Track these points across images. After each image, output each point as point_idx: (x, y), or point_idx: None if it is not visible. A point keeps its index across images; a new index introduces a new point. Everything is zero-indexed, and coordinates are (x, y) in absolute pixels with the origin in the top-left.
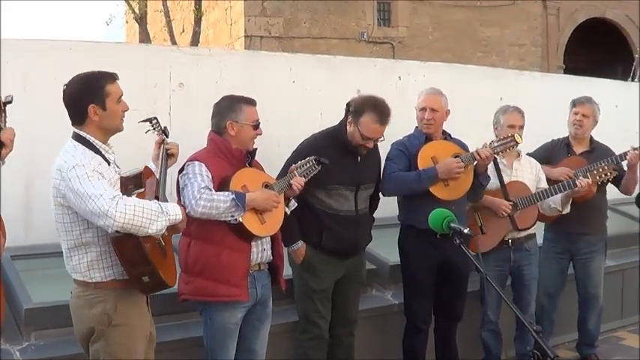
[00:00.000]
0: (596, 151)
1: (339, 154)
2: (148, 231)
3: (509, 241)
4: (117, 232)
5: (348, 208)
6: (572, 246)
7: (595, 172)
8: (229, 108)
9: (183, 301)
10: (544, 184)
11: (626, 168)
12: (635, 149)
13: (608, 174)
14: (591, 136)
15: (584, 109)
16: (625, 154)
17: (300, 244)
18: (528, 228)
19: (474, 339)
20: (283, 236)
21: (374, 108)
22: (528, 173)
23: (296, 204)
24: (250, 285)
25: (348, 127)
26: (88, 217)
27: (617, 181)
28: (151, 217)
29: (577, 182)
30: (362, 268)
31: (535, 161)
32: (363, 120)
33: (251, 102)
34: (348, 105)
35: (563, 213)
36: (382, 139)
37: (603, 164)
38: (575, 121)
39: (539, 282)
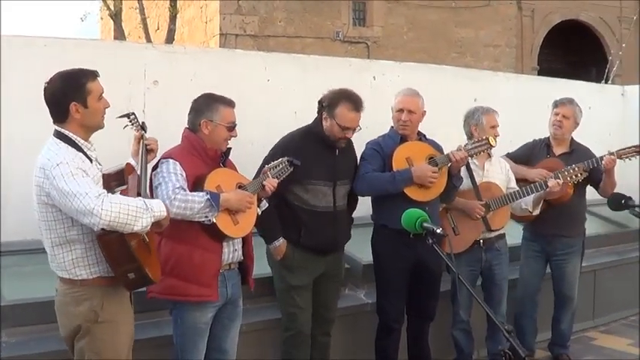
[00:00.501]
0: (576, 153)
1: (316, 150)
2: (134, 228)
3: (481, 241)
4: (103, 229)
5: (326, 203)
6: (548, 247)
7: (566, 172)
8: (206, 106)
9: (150, 299)
10: (514, 184)
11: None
12: (611, 154)
13: (579, 175)
14: (572, 138)
15: (564, 110)
16: (601, 158)
17: (282, 241)
18: (501, 228)
19: (445, 338)
20: (264, 234)
21: (347, 98)
22: (499, 174)
23: (267, 204)
24: (221, 284)
25: (324, 123)
26: (73, 215)
27: (596, 185)
28: (137, 214)
29: (548, 183)
30: (341, 267)
31: (505, 162)
32: (339, 111)
33: (229, 103)
34: (320, 102)
35: (534, 214)
36: (359, 128)
37: (574, 165)
38: (555, 121)
39: (519, 281)
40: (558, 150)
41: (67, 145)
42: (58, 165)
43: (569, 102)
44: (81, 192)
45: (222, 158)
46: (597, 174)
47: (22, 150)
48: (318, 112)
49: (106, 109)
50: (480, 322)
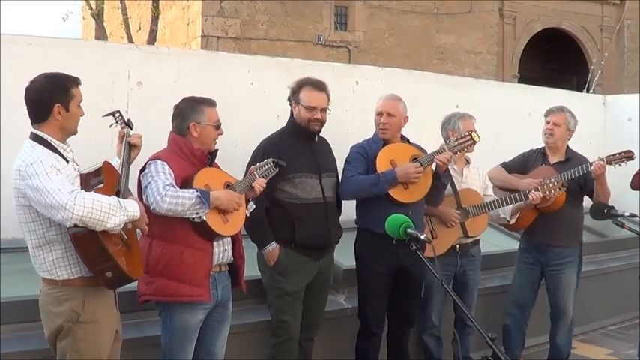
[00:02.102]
0: (571, 162)
1: (295, 145)
2: (107, 225)
3: (457, 246)
4: (75, 226)
5: (316, 195)
6: (541, 257)
7: (545, 186)
8: (191, 110)
9: (144, 302)
10: (490, 192)
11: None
12: (600, 159)
13: (558, 190)
14: (567, 147)
15: (554, 117)
16: (590, 164)
17: (275, 245)
18: (478, 235)
19: (415, 343)
20: (256, 239)
21: (307, 81)
22: (477, 180)
23: (254, 206)
24: (211, 286)
25: (295, 113)
26: (47, 212)
27: (589, 194)
28: (110, 211)
29: (529, 195)
30: (331, 272)
31: (482, 169)
32: (302, 94)
33: (211, 103)
34: (289, 98)
35: (511, 223)
36: (329, 110)
37: (553, 179)
38: (546, 130)
39: (510, 292)
40: (554, 159)
41: (42, 146)
42: (32, 164)
43: (559, 109)
44: (54, 188)
45: (209, 160)
46: (590, 183)
47: (8, 149)
48: (290, 110)
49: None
50: (448, 327)
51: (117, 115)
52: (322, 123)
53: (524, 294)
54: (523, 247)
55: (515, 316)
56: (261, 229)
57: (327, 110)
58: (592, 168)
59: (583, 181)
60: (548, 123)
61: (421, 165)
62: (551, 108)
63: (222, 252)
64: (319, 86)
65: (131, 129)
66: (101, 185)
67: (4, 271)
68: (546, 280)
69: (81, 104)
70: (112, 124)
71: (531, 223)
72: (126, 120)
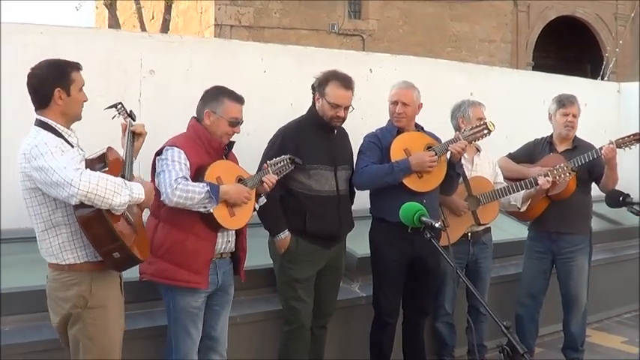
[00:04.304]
0: (579, 149)
1: (313, 136)
2: (112, 202)
3: (469, 234)
4: (81, 204)
5: (330, 187)
6: (553, 245)
7: (555, 171)
8: (212, 97)
9: (142, 281)
10: (500, 179)
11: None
12: (611, 143)
13: (567, 174)
14: (575, 135)
15: (574, 109)
16: (600, 148)
17: (287, 234)
18: (490, 222)
19: (429, 330)
20: (269, 226)
21: (335, 76)
22: (487, 168)
23: (265, 200)
24: (212, 271)
25: (317, 105)
26: (52, 190)
27: (597, 180)
28: (115, 189)
29: (538, 180)
30: (342, 260)
31: (492, 157)
32: (328, 89)
33: (237, 99)
34: (312, 86)
35: (522, 210)
36: (352, 108)
37: (562, 164)
38: (567, 122)
39: (522, 281)
40: (561, 147)
41: (46, 131)
42: (36, 146)
43: (575, 100)
44: (59, 166)
45: (225, 150)
46: (599, 169)
47: (14, 138)
48: (312, 98)
49: (85, 102)
50: (461, 314)
51: (119, 106)
52: (344, 120)
53: (536, 283)
54: (533, 236)
55: (528, 305)
56: (275, 216)
57: (350, 108)
58: (602, 152)
59: (591, 167)
60: (567, 115)
61: (436, 154)
62: (568, 99)
63: (225, 243)
64: (346, 84)
65: (134, 120)
66: (105, 169)
67: (4, 262)
68: (558, 268)
69: (84, 89)
70: (115, 116)
71: (542, 212)
72: (128, 111)
